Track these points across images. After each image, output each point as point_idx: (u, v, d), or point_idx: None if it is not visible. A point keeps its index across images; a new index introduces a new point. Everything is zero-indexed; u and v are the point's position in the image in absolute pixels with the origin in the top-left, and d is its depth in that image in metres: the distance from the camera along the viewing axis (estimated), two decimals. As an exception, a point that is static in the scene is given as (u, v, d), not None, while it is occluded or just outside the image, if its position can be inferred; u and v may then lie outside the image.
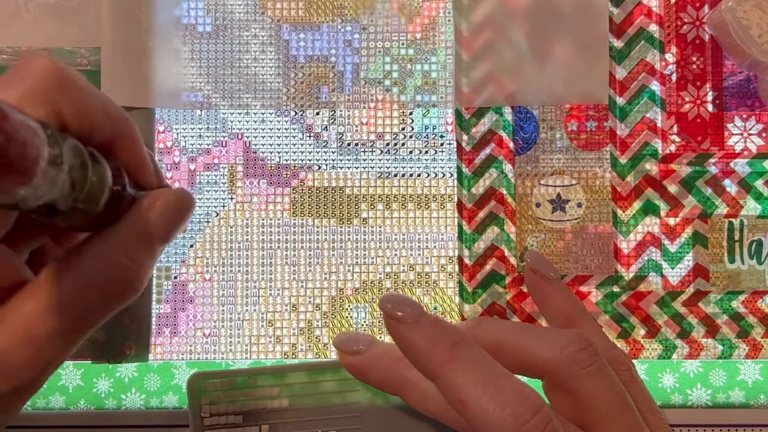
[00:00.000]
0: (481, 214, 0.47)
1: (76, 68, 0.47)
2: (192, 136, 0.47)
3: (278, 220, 0.47)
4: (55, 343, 0.25)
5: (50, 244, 0.30)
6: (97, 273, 0.26)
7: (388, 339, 0.42)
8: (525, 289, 0.46)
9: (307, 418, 0.37)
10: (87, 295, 0.26)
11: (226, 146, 0.47)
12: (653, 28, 0.47)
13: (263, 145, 0.47)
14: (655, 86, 0.47)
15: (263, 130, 0.47)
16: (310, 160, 0.47)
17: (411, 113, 0.48)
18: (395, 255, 0.47)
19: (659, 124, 0.47)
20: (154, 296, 0.46)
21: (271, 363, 0.46)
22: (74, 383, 0.46)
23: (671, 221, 0.47)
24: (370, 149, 0.47)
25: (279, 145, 0.47)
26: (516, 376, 0.28)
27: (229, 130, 0.47)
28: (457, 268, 0.47)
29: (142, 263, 0.27)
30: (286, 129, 0.47)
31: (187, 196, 0.30)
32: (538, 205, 0.47)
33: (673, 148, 0.47)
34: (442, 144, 0.47)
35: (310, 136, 0.47)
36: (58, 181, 0.22)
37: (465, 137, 0.47)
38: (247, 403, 0.37)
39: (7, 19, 0.47)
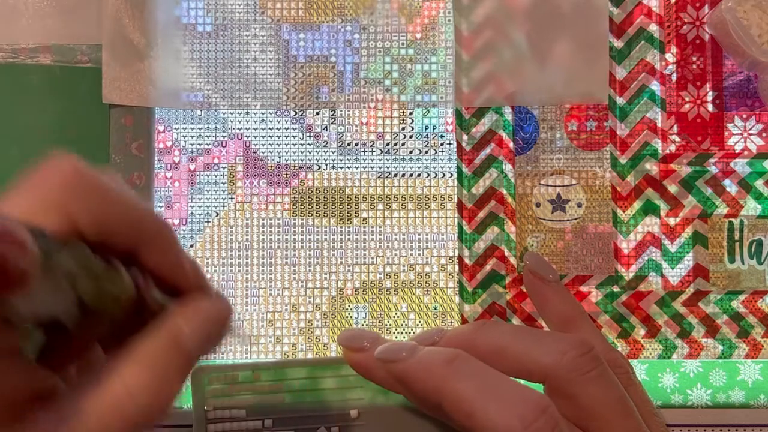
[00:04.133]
0: (481, 214, 0.47)
1: (76, 65, 0.47)
2: (192, 136, 0.47)
3: (278, 220, 0.47)
4: None
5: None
6: (118, 401, 0.23)
7: (388, 337, 0.42)
8: (525, 289, 0.46)
9: (309, 414, 0.37)
10: (103, 426, 0.23)
11: (226, 146, 0.47)
12: (653, 28, 0.47)
13: (263, 145, 0.47)
14: (655, 86, 0.47)
15: (263, 130, 0.47)
16: (310, 160, 0.47)
17: (411, 113, 0.47)
18: (395, 255, 0.47)
19: (659, 124, 0.47)
20: (155, 296, 0.46)
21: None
22: (75, 383, 0.46)
23: (671, 221, 0.47)
24: (370, 149, 0.47)
25: (279, 145, 0.47)
26: (518, 380, 0.28)
27: (229, 130, 0.47)
28: (457, 268, 0.47)
29: (168, 383, 0.25)
30: (286, 129, 0.47)
31: (222, 306, 0.27)
32: (538, 205, 0.47)
33: (673, 148, 0.47)
34: (442, 144, 0.47)
35: (310, 136, 0.47)
36: (58, 291, 0.21)
37: (465, 137, 0.47)
38: (250, 397, 0.38)
39: (7, 15, 0.47)
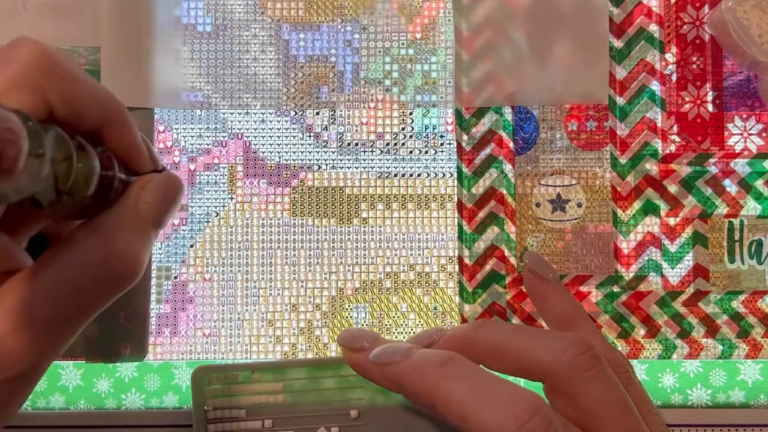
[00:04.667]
0: (481, 214, 0.47)
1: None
2: (192, 136, 0.47)
3: (278, 220, 0.47)
4: (49, 333, 0.25)
5: (55, 229, 0.30)
6: (91, 260, 0.25)
7: (389, 337, 0.42)
8: (525, 289, 0.46)
9: (309, 414, 0.37)
10: (81, 283, 0.25)
11: (226, 146, 0.47)
12: (653, 28, 0.47)
13: (263, 145, 0.47)
14: (655, 86, 0.47)
15: (263, 130, 0.47)
16: (310, 160, 0.47)
17: (411, 113, 0.47)
18: (395, 255, 0.47)
19: (659, 124, 0.47)
20: (154, 296, 0.46)
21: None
22: (74, 383, 0.46)
23: (671, 221, 0.47)
24: (370, 149, 0.47)
25: (279, 145, 0.47)
26: (513, 380, 0.28)
27: (229, 130, 0.47)
28: (457, 268, 0.47)
29: (136, 248, 0.27)
30: (286, 129, 0.47)
31: (174, 179, 0.30)
32: (538, 205, 0.47)
33: (673, 148, 0.47)
34: (442, 144, 0.47)
35: (310, 136, 0.47)
36: (40, 174, 0.21)
37: (465, 137, 0.47)
38: (250, 397, 0.38)
39: (4, 17, 0.47)
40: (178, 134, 0.47)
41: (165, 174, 0.30)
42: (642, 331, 0.46)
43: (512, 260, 0.46)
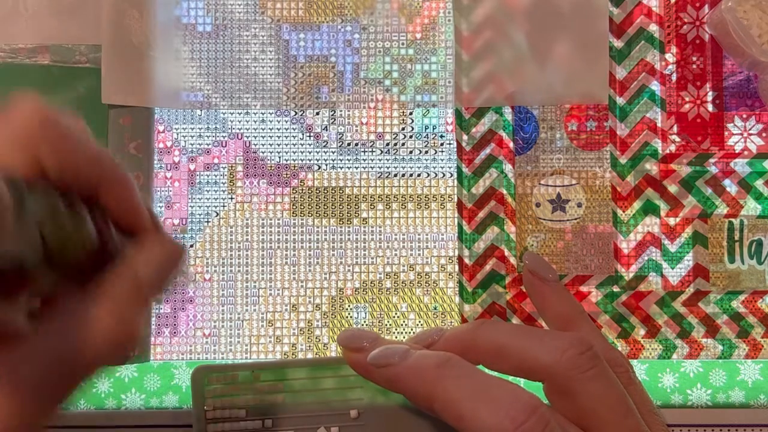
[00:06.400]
0: (481, 214, 0.47)
1: (75, 65, 0.47)
2: (192, 136, 0.47)
3: (278, 220, 0.47)
4: (40, 402, 0.24)
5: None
6: (84, 328, 0.24)
7: (389, 337, 0.42)
8: (524, 289, 0.46)
9: (309, 414, 0.37)
10: (73, 351, 0.24)
11: (226, 146, 0.47)
12: (653, 28, 0.47)
13: (263, 145, 0.47)
14: (655, 86, 0.47)
15: (263, 130, 0.47)
16: (310, 160, 0.47)
17: (411, 113, 0.47)
18: (395, 255, 0.47)
19: (659, 124, 0.47)
20: (154, 296, 0.46)
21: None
22: (74, 383, 0.46)
23: (671, 221, 0.47)
24: (370, 149, 0.47)
25: (279, 145, 0.47)
26: (513, 380, 0.28)
27: (229, 130, 0.47)
28: (457, 268, 0.47)
29: (131, 317, 0.26)
30: (286, 129, 0.47)
31: (175, 247, 0.29)
32: (538, 205, 0.47)
33: (673, 148, 0.47)
34: (442, 144, 0.47)
35: (310, 136, 0.47)
36: (24, 235, 0.21)
37: (465, 137, 0.47)
38: (250, 397, 0.38)
39: (5, 16, 0.47)
40: (178, 134, 0.47)
41: (166, 240, 0.29)
42: (642, 331, 0.46)
43: (512, 260, 0.46)
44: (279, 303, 0.46)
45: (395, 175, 0.47)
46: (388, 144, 0.47)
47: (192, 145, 0.47)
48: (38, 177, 0.24)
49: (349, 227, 0.47)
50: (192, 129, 0.47)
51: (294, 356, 0.46)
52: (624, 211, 0.47)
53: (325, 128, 0.47)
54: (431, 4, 0.48)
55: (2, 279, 0.24)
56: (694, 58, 0.47)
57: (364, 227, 0.47)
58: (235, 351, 0.46)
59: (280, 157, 0.47)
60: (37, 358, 0.24)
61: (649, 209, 0.47)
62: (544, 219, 0.47)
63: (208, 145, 0.47)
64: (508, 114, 0.47)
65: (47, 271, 0.24)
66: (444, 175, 0.47)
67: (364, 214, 0.47)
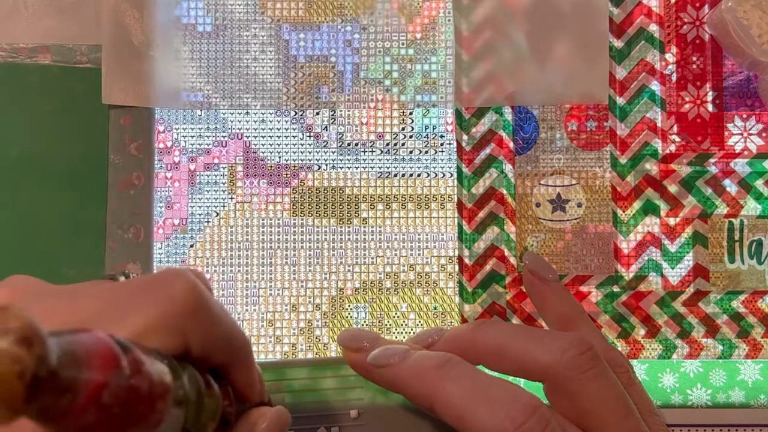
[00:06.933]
0: (481, 214, 0.47)
1: (75, 65, 0.47)
2: (192, 136, 0.47)
3: (278, 220, 0.47)
4: None
5: None
6: None
7: (389, 337, 0.42)
8: (525, 289, 0.46)
9: (309, 414, 0.37)
10: None
11: (226, 146, 0.47)
12: (653, 28, 0.47)
13: (263, 145, 0.47)
14: (655, 86, 0.47)
15: (263, 130, 0.47)
16: (310, 160, 0.47)
17: (411, 113, 0.47)
18: (395, 255, 0.47)
19: (659, 124, 0.47)
20: (154, 296, 0.46)
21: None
22: (74, 383, 0.46)
23: (671, 221, 0.47)
24: (370, 149, 0.47)
25: (279, 145, 0.47)
26: (513, 380, 0.28)
27: (229, 130, 0.47)
28: (457, 268, 0.47)
29: None
30: (286, 129, 0.47)
31: (285, 415, 0.29)
32: (538, 205, 0.47)
33: (673, 148, 0.47)
34: (442, 144, 0.47)
35: (310, 136, 0.47)
36: (178, 423, 0.21)
37: (465, 137, 0.47)
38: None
39: (5, 15, 0.47)
40: (178, 134, 0.47)
41: (279, 409, 0.29)
42: (642, 331, 0.46)
43: (512, 260, 0.46)
44: (279, 303, 0.46)
45: (395, 175, 0.47)
46: (388, 144, 0.47)
47: (192, 145, 0.47)
48: (182, 355, 0.24)
49: (349, 227, 0.47)
50: (192, 129, 0.47)
51: (294, 356, 0.46)
52: (624, 211, 0.47)
53: (325, 128, 0.47)
54: (431, 4, 0.48)
55: None
56: (694, 58, 0.47)
57: (364, 227, 0.47)
58: (235, 351, 0.46)
59: (280, 157, 0.47)
60: None
61: (649, 209, 0.47)
62: (544, 219, 0.47)
63: (208, 145, 0.47)
64: (508, 114, 0.47)
65: None
66: (444, 175, 0.47)
67: (364, 214, 0.47)
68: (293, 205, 0.47)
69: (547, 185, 0.47)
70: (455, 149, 0.47)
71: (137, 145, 0.47)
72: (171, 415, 0.20)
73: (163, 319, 0.23)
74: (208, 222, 0.47)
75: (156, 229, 0.47)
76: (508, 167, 0.47)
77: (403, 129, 0.47)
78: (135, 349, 0.18)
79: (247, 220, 0.47)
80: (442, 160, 0.47)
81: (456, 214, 0.47)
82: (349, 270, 0.47)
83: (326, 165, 0.47)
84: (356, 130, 0.47)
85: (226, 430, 0.27)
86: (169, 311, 0.23)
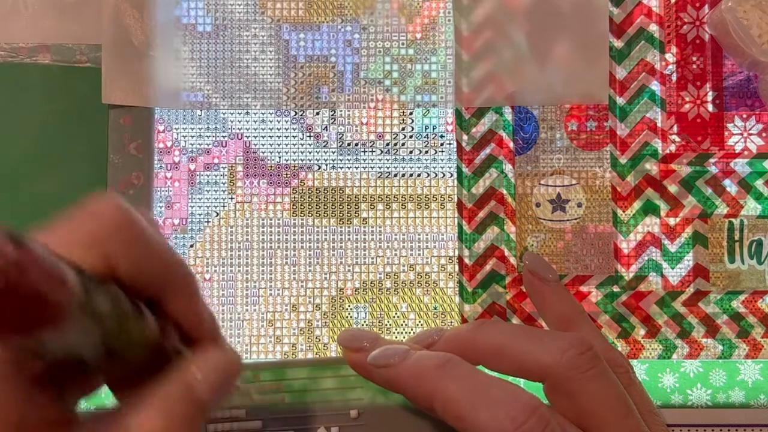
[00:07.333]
0: (481, 214, 0.47)
1: (75, 65, 0.47)
2: (192, 136, 0.47)
3: (278, 220, 0.47)
4: None
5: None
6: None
7: (389, 337, 0.42)
8: (524, 290, 0.46)
9: (309, 414, 0.37)
10: None
11: (226, 146, 0.47)
12: (653, 28, 0.47)
13: (263, 145, 0.47)
14: (655, 86, 0.47)
15: (263, 130, 0.47)
16: (310, 160, 0.47)
17: (411, 113, 0.47)
18: (395, 255, 0.47)
19: (659, 124, 0.47)
20: (154, 296, 0.46)
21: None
22: (74, 383, 0.46)
23: (671, 221, 0.47)
24: (370, 149, 0.47)
25: (279, 145, 0.47)
26: (513, 380, 0.28)
27: (229, 130, 0.47)
28: (457, 268, 0.47)
29: (182, 427, 0.25)
30: (286, 129, 0.47)
31: (234, 359, 0.28)
32: (538, 205, 0.47)
33: (673, 148, 0.47)
34: (442, 144, 0.47)
35: (310, 136, 0.47)
36: (89, 330, 0.21)
37: (465, 137, 0.47)
38: (250, 397, 0.38)
39: (5, 15, 0.47)
40: (178, 134, 0.47)
41: (226, 351, 0.28)
42: (642, 331, 0.46)
43: (512, 260, 0.46)
44: (279, 303, 0.46)
45: (395, 175, 0.47)
46: (388, 144, 0.47)
47: (192, 145, 0.47)
48: (106, 276, 0.24)
49: (349, 227, 0.47)
50: (192, 129, 0.47)
51: (294, 356, 0.46)
52: (624, 211, 0.47)
53: (325, 128, 0.47)
54: (431, 4, 0.48)
55: (58, 370, 0.24)
56: (694, 58, 0.47)
57: (364, 227, 0.47)
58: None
59: (280, 157, 0.47)
60: None
61: (649, 209, 0.47)
62: (544, 219, 0.47)
63: (208, 145, 0.47)
64: (508, 114, 0.47)
65: (104, 368, 0.24)
66: (444, 175, 0.47)
67: (364, 214, 0.47)
68: (293, 205, 0.47)
69: (547, 185, 0.47)
70: (455, 149, 0.47)
71: (137, 145, 0.47)
72: (78, 322, 0.20)
73: (83, 235, 0.23)
74: (208, 222, 0.47)
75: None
76: (508, 167, 0.47)
77: (403, 129, 0.47)
78: (34, 245, 0.18)
79: (247, 220, 0.47)
80: (442, 160, 0.47)
81: (456, 214, 0.47)
82: (349, 270, 0.47)
83: (326, 165, 0.47)
84: (356, 130, 0.47)
85: (165, 366, 0.26)
86: (89, 228, 0.24)
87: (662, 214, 0.47)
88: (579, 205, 0.47)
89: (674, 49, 0.47)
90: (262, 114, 0.47)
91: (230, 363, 0.28)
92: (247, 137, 0.47)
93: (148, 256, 0.25)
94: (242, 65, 0.47)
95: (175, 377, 0.26)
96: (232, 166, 0.47)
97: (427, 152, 0.47)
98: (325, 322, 0.46)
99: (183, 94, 0.47)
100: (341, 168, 0.47)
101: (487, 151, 0.47)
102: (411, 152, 0.47)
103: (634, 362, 0.46)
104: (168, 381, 0.25)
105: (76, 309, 0.20)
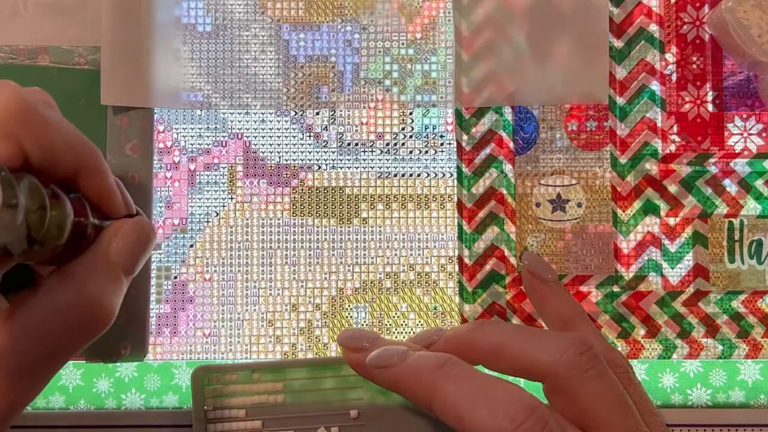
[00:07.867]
0: (481, 214, 0.47)
1: (74, 67, 0.47)
2: (192, 136, 0.47)
3: (278, 220, 0.47)
4: (19, 380, 0.24)
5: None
6: (61, 307, 0.25)
7: (389, 337, 0.42)
8: (524, 290, 0.46)
9: (309, 414, 0.37)
10: (51, 331, 0.25)
11: (226, 146, 0.47)
12: (653, 28, 0.47)
13: (263, 145, 0.47)
14: (655, 86, 0.47)
15: (263, 130, 0.47)
16: (310, 160, 0.47)
17: (411, 113, 0.47)
18: (395, 255, 0.47)
19: (659, 124, 0.47)
20: (154, 296, 0.46)
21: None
22: (74, 383, 0.46)
23: (671, 221, 0.47)
24: (370, 149, 0.47)
25: (279, 145, 0.47)
26: (512, 380, 0.28)
27: (229, 130, 0.47)
28: (457, 268, 0.47)
29: (107, 294, 0.27)
30: (286, 129, 0.47)
31: (146, 225, 0.30)
32: (538, 205, 0.47)
33: (673, 148, 0.47)
34: (442, 144, 0.47)
35: (310, 136, 0.47)
36: (13, 225, 0.21)
37: (465, 137, 0.47)
38: (250, 397, 0.38)
39: (5, 17, 0.47)
40: (178, 134, 0.47)
41: (136, 219, 0.29)
42: (642, 331, 0.46)
43: (512, 260, 0.46)
44: (279, 303, 0.46)
45: (395, 175, 0.47)
46: (388, 144, 0.47)
47: (192, 145, 0.47)
48: (21, 165, 0.25)
49: (349, 227, 0.47)
50: (192, 129, 0.47)
51: (294, 356, 0.46)
52: (624, 211, 0.47)
53: (325, 128, 0.47)
54: (431, 4, 0.48)
55: None
56: (694, 58, 0.47)
57: (364, 227, 0.47)
58: (235, 351, 0.46)
59: (280, 157, 0.47)
60: (16, 340, 0.24)
61: (649, 209, 0.47)
62: (544, 219, 0.47)
63: (208, 145, 0.47)
64: (508, 114, 0.47)
65: (29, 256, 0.24)
66: (444, 175, 0.47)
67: (364, 214, 0.47)
68: (293, 205, 0.47)
69: (547, 185, 0.47)
70: (455, 149, 0.47)
71: (132, 146, 0.47)
72: (2, 216, 0.20)
73: None
74: (208, 222, 0.47)
75: (156, 229, 0.47)
76: (508, 167, 0.47)
77: (403, 129, 0.47)
78: None
79: (247, 220, 0.47)
80: (442, 160, 0.47)
81: (456, 214, 0.47)
82: (349, 270, 0.47)
83: (326, 165, 0.47)
84: (356, 130, 0.47)
85: (84, 244, 0.27)
86: None
87: (662, 214, 0.47)
88: (579, 205, 0.47)
89: (674, 49, 0.47)
90: (262, 114, 0.47)
91: (142, 229, 0.29)
92: (247, 137, 0.47)
93: (56, 138, 0.26)
94: (242, 65, 0.47)
95: (95, 248, 0.27)
96: (232, 166, 0.47)
97: (427, 152, 0.47)
98: (325, 322, 0.46)
99: (183, 94, 0.47)
100: (341, 168, 0.47)
101: (487, 151, 0.47)
102: (411, 152, 0.47)
103: (634, 362, 0.46)
104: (90, 253, 0.27)
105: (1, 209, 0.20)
